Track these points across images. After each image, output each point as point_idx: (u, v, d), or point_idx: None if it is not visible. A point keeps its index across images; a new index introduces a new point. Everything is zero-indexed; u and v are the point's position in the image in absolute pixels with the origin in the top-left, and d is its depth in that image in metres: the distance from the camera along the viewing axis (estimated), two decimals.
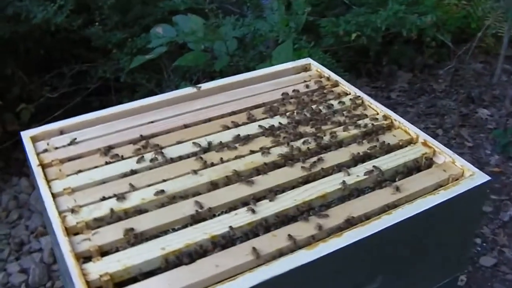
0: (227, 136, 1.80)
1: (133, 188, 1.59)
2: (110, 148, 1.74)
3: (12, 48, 3.30)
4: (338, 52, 3.91)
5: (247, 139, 1.79)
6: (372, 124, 1.86)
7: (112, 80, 3.40)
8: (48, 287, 2.67)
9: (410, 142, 1.81)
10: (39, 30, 3.14)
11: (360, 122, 1.87)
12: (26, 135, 1.79)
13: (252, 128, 1.84)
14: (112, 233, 1.45)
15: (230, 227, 1.46)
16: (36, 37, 3.24)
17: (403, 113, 4.10)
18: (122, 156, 1.72)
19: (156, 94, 3.15)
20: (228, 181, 1.63)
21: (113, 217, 1.50)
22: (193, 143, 1.77)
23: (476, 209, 1.79)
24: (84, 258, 1.39)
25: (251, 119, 1.89)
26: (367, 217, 1.51)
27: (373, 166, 1.67)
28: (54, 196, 1.56)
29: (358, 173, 1.65)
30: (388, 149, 1.76)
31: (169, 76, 3.43)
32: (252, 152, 1.73)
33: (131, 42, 3.30)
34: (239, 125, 1.86)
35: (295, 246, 1.42)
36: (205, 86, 2.05)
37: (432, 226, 1.60)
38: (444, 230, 1.67)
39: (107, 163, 1.69)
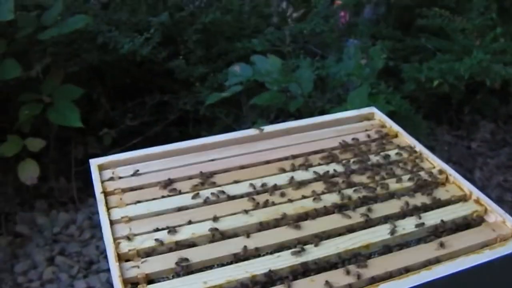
0: (282, 179, 1.86)
1: (185, 222, 1.67)
2: (170, 182, 1.84)
3: (99, 75, 3.51)
4: (419, 98, 3.89)
5: (301, 184, 1.84)
6: (427, 177, 1.86)
7: (192, 112, 3.54)
8: None
9: (463, 198, 1.80)
10: (126, 60, 3.33)
11: (414, 175, 1.88)
12: (94, 163, 1.92)
13: (307, 174, 1.89)
14: (160, 263, 1.53)
15: (270, 270, 1.51)
16: (122, 67, 3.44)
17: (482, 164, 4.01)
18: (180, 190, 1.80)
19: (233, 128, 3.28)
20: (276, 223, 1.68)
21: (163, 248, 1.59)
22: (249, 184, 1.83)
23: None
24: (131, 284, 1.49)
25: (308, 165, 1.93)
26: (406, 270, 1.51)
27: (421, 220, 1.68)
28: (112, 223, 1.67)
29: (405, 226, 1.66)
30: (439, 204, 1.76)
31: (246, 112, 3.52)
32: (304, 197, 1.78)
33: (213, 77, 3.43)
34: (295, 170, 1.91)
35: None
36: (267, 128, 2.11)
37: (474, 286, 1.59)
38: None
39: (164, 196, 1.79)
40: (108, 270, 2.94)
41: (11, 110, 3.18)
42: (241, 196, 1.79)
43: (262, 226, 1.67)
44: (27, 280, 2.88)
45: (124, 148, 3.22)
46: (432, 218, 1.70)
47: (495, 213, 1.72)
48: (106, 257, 2.95)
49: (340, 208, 1.73)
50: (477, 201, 1.77)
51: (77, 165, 3.35)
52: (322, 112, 3.02)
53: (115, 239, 1.61)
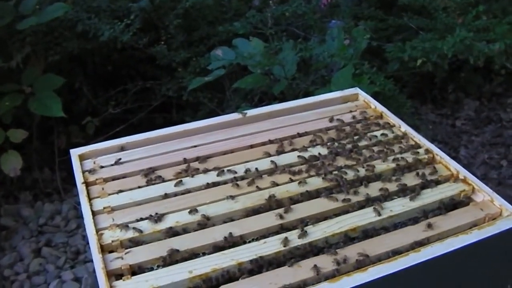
0: (266, 163, 1.84)
1: (169, 210, 1.64)
2: (152, 170, 1.81)
3: (80, 64, 3.46)
4: (403, 78, 3.87)
5: (286, 167, 1.81)
6: (413, 158, 1.85)
7: (175, 98, 3.49)
8: None
9: (450, 178, 1.78)
10: (107, 47, 3.27)
11: (400, 155, 1.86)
12: (74, 153, 1.88)
13: (292, 157, 1.87)
14: (144, 253, 1.51)
15: (257, 256, 1.48)
16: (103, 54, 3.38)
17: (467, 142, 4.00)
18: (163, 178, 1.78)
19: (217, 113, 3.24)
20: (261, 208, 1.66)
21: (147, 238, 1.56)
22: (232, 169, 1.81)
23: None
24: (115, 275, 1.46)
25: (292, 148, 1.91)
26: (395, 253, 1.50)
27: (408, 201, 1.67)
28: (94, 213, 1.64)
29: (392, 208, 1.65)
30: (426, 184, 1.75)
31: (230, 96, 3.49)
32: (289, 181, 1.76)
33: (195, 62, 3.38)
34: (280, 153, 1.89)
35: (319, 278, 1.44)
36: (251, 112, 2.09)
37: (463, 267, 1.57)
38: (476, 272, 1.63)
39: (147, 184, 1.76)
40: None
41: None
42: (225, 182, 1.76)
43: (247, 212, 1.65)
44: (13, 273, 2.84)
45: (108, 137, 3.17)
46: (419, 198, 1.68)
47: (483, 192, 1.70)
48: None
49: (326, 192, 1.71)
50: (464, 181, 1.75)
51: (61, 155, 3.30)
52: (306, 94, 2.99)
53: (97, 230, 1.58)
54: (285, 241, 1.52)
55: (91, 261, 2.92)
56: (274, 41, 3.26)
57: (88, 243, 2.97)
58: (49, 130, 3.39)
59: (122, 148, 1.92)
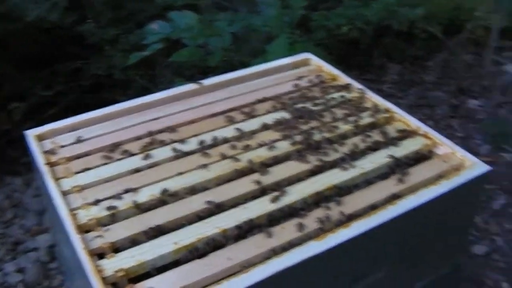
0: (231, 131, 1.82)
1: (141, 184, 1.60)
2: (116, 145, 1.75)
3: (5, 46, 3.28)
4: (329, 46, 3.93)
5: (252, 134, 1.81)
6: (374, 116, 1.89)
7: (105, 77, 3.39)
8: (46, 286, 2.67)
9: (411, 134, 1.83)
10: (33, 27, 3.13)
11: (361, 115, 1.89)
12: (30, 134, 1.79)
13: (256, 123, 1.86)
14: (123, 230, 1.46)
15: (240, 221, 1.48)
16: (29, 35, 3.22)
17: (394, 104, 4.13)
18: (129, 153, 1.73)
19: (149, 90, 3.17)
20: (235, 175, 1.65)
21: (124, 214, 1.52)
22: (199, 138, 1.78)
23: (475, 198, 1.83)
24: (97, 255, 1.41)
25: (255, 114, 1.90)
26: (372, 208, 1.54)
27: (375, 158, 1.70)
28: (63, 194, 1.57)
29: (362, 165, 1.68)
30: (389, 141, 1.79)
31: (162, 72, 3.43)
32: (258, 146, 1.75)
33: (125, 39, 3.29)
34: (243, 120, 1.88)
35: (305, 237, 1.45)
36: (206, 82, 2.06)
37: (435, 215, 1.64)
38: (446, 219, 1.70)
39: (114, 160, 1.70)
40: (35, 249, 2.82)
41: None
42: (194, 152, 1.73)
43: (222, 180, 1.63)
44: None
45: (39, 120, 3.04)
46: (386, 155, 1.72)
47: (445, 146, 1.77)
48: (32, 235, 2.83)
49: (296, 154, 1.72)
50: (426, 136, 1.81)
51: None
52: (243, 65, 2.98)
53: (70, 211, 1.51)
54: (265, 205, 1.52)
55: (32, 250, 2.84)
56: (206, 14, 3.23)
57: (27, 231, 2.90)
58: None
59: (79, 126, 1.84)
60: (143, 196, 1.56)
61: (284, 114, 1.90)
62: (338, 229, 1.46)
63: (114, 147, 1.74)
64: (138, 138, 1.79)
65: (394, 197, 1.58)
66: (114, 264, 1.37)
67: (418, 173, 1.67)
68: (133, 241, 1.45)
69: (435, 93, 4.25)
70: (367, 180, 1.66)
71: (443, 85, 4.37)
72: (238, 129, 1.82)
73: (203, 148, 1.74)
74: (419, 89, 4.29)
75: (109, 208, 1.52)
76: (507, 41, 4.77)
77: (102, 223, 1.49)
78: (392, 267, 1.64)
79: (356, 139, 1.78)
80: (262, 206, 1.53)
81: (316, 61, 2.21)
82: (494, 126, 4.15)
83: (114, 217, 1.51)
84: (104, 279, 1.33)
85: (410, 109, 4.12)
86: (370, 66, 4.43)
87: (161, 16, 3.22)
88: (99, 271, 1.35)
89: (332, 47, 4.00)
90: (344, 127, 1.84)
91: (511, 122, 4.23)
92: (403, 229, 1.58)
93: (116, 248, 1.43)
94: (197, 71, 3.35)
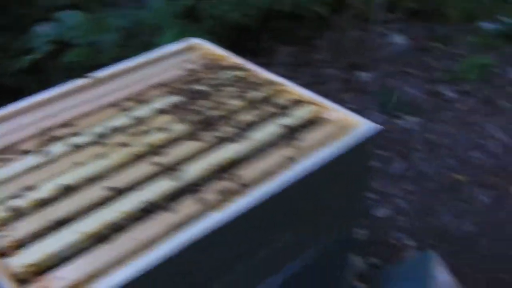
0: (126, 119, 1.84)
1: (41, 180, 1.60)
2: (11, 146, 1.74)
3: None
4: (219, 34, 3.99)
5: (147, 120, 1.84)
6: (264, 90, 1.96)
7: None
8: None
9: (302, 103, 1.92)
10: None
11: (252, 90, 1.96)
12: None
13: (150, 109, 1.89)
14: (28, 226, 1.46)
15: (142, 203, 1.51)
16: None
17: None
18: (24, 151, 1.72)
19: None
20: (133, 160, 1.67)
21: (26, 211, 1.51)
22: (94, 130, 1.79)
23: (368, 158, 1.93)
24: (3, 254, 1.40)
25: (148, 101, 1.93)
26: (268, 174, 1.61)
27: (268, 128, 1.78)
28: None
29: (255, 137, 1.75)
30: (281, 112, 1.87)
31: (55, 75, 3.38)
32: (154, 131, 1.78)
33: (12, 45, 3.23)
34: (138, 108, 1.90)
35: (205, 210, 1.50)
36: (97, 75, 2.07)
37: (330, 177, 1.73)
38: (342, 180, 1.80)
39: (10, 161, 1.69)
40: None
41: None
42: (90, 144, 1.74)
43: (121, 166, 1.65)
44: None
45: None
46: (278, 125, 1.80)
47: (334, 111, 1.87)
48: None
49: (191, 134, 1.76)
50: (315, 103, 1.90)
51: None
52: None
53: None
54: (165, 184, 1.57)
55: None
56: (93, 11, 3.22)
57: None
58: None
59: None
60: (44, 191, 1.56)
61: (177, 98, 1.94)
62: (237, 198, 1.53)
63: (9, 148, 1.73)
64: (33, 136, 1.78)
65: (288, 162, 1.65)
66: (22, 260, 1.37)
67: (310, 137, 1.76)
68: (39, 236, 1.45)
69: (327, 71, 4.41)
70: (262, 150, 1.72)
71: (335, 62, 4.54)
72: (132, 117, 1.85)
73: (100, 139, 1.76)
74: (311, 69, 4.43)
75: (10, 207, 1.52)
76: (390, 14, 5.00)
77: (4, 223, 1.49)
78: (294, 231, 1.72)
79: (249, 113, 1.85)
80: (162, 186, 1.57)
81: (204, 45, 2.26)
82: (386, 96, 4.35)
83: (16, 216, 1.50)
84: (13, 276, 1.33)
85: (307, 87, 4.25)
86: (262, 50, 4.53)
87: (47, 18, 3.18)
88: (7, 268, 1.35)
89: (222, 35, 4.07)
90: (236, 104, 1.90)
91: (400, 90, 4.46)
92: (300, 192, 1.66)
93: (23, 245, 1.43)
94: (90, 70, 3.33)
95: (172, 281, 1.45)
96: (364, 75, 4.47)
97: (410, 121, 4.32)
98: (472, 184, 4.10)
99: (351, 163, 1.79)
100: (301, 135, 1.77)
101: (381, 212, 3.81)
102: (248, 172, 1.62)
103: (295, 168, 1.62)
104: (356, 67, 4.54)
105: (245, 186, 1.57)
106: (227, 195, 1.54)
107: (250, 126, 1.80)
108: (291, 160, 1.66)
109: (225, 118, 1.83)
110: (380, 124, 4.43)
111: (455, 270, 2.70)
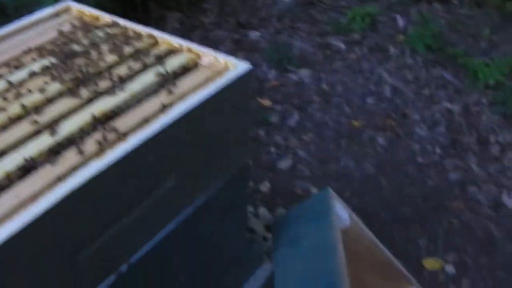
0: (2, 84, 1.83)
1: None
2: None
3: None
4: (105, 6, 3.95)
5: (22, 83, 1.82)
6: (140, 43, 1.98)
7: None
8: None
9: (175, 51, 1.96)
10: None
11: (126, 45, 1.98)
12: None
13: (24, 73, 1.87)
14: None
15: (23, 160, 1.52)
16: None
17: None
18: None
19: None
20: (11, 123, 1.67)
21: None
22: None
23: (246, 98, 1.99)
24: None
25: (22, 65, 1.91)
26: (145, 120, 1.65)
27: (144, 79, 1.81)
28: None
29: (132, 88, 1.77)
30: (156, 62, 1.90)
31: None
32: (29, 93, 1.77)
33: None
34: (11, 73, 1.88)
35: (86, 160, 1.53)
36: None
37: (208, 119, 1.78)
38: (221, 122, 1.85)
39: None
40: None
41: None
42: None
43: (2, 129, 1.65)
44: None
45: None
46: (153, 74, 1.83)
47: (208, 55, 1.91)
48: None
49: (68, 92, 1.77)
50: (189, 50, 1.94)
51: None
52: None
53: None
54: (44, 141, 1.58)
55: None
56: None
57: None
58: None
59: None
60: None
61: (51, 60, 1.93)
62: (116, 145, 1.56)
63: None
64: None
65: (165, 108, 1.69)
66: None
67: (186, 83, 1.80)
68: None
69: (216, 32, 4.46)
70: (139, 100, 1.75)
71: (223, 24, 4.59)
72: (6, 81, 1.83)
73: None
74: (201, 32, 4.47)
75: None
76: None
77: None
78: (179, 176, 1.77)
79: (125, 67, 1.87)
80: (41, 143, 1.57)
81: (77, 7, 2.25)
82: (277, 52, 4.43)
83: None
84: None
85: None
86: (150, 19, 4.52)
87: None
88: None
89: (108, 9, 4.02)
90: (112, 59, 1.91)
91: (290, 45, 4.56)
92: (179, 135, 1.71)
93: None
94: None
95: (59, 233, 1.46)
96: (254, 34, 4.54)
97: (302, 74, 4.44)
98: (368, 128, 4.27)
99: (229, 104, 1.85)
100: (177, 82, 1.80)
101: (283, 164, 3.92)
102: (125, 121, 1.65)
103: (171, 112, 1.66)
104: (245, 26, 4.60)
105: (124, 135, 1.60)
106: (106, 145, 1.57)
107: (126, 78, 1.82)
108: (167, 106, 1.69)
109: (101, 73, 1.84)
110: (274, 79, 4.55)
111: (360, 210, 2.84)
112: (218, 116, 1.82)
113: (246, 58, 4.34)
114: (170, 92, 1.75)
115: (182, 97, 1.73)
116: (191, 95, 1.73)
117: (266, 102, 4.22)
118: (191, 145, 1.77)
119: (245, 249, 2.41)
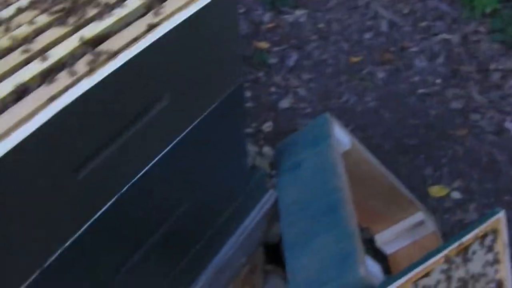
0: None
1: None
2: None
3: None
4: None
5: (10, 18, 1.84)
6: None
7: None
8: None
9: None
10: None
11: None
12: None
13: (11, 9, 1.87)
14: None
15: (17, 85, 1.55)
16: None
17: None
18: None
19: None
20: (1, 55, 1.69)
21: None
22: None
23: (232, 14, 1.98)
24: None
25: (9, 2, 1.92)
26: (134, 40, 1.68)
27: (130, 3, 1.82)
28: None
29: (120, 12, 1.78)
30: None
31: None
32: (18, 26, 1.79)
33: None
34: None
35: (78, 80, 1.57)
36: None
37: (195, 38, 1.81)
38: (208, 41, 1.88)
39: None
40: None
41: None
42: None
43: None
44: None
45: None
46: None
47: None
48: None
49: (57, 22, 1.78)
50: None
51: None
52: None
53: None
54: (36, 67, 1.61)
55: None
56: None
57: None
58: None
59: None
60: None
61: None
62: (107, 63, 1.60)
63: None
64: None
65: (152, 27, 1.72)
66: None
67: (171, 5, 1.81)
68: None
69: None
70: (127, 23, 1.77)
71: None
72: None
73: None
74: None
75: None
76: None
77: None
78: (173, 95, 1.80)
79: None
80: (33, 69, 1.61)
81: None
82: None
83: None
84: None
85: None
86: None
87: None
88: None
89: None
90: None
91: None
92: (169, 52, 1.74)
93: None
94: None
95: (51, 152, 1.52)
96: None
97: (298, 14, 4.44)
98: (367, 63, 4.28)
99: (216, 20, 1.86)
100: (163, 3, 1.82)
101: (284, 103, 3.95)
102: (114, 43, 1.67)
103: (157, 30, 1.69)
104: None
105: (112, 55, 1.63)
106: (96, 65, 1.60)
107: (113, 4, 1.83)
108: (154, 26, 1.72)
109: (89, 2, 1.86)
110: (269, 21, 4.55)
111: (364, 143, 2.86)
112: (205, 32, 1.84)
113: (239, 1, 4.34)
114: (156, 13, 1.76)
115: (168, 18, 1.75)
116: (175, 16, 1.75)
117: (263, 44, 4.23)
118: (182, 64, 1.80)
119: (247, 175, 2.44)
